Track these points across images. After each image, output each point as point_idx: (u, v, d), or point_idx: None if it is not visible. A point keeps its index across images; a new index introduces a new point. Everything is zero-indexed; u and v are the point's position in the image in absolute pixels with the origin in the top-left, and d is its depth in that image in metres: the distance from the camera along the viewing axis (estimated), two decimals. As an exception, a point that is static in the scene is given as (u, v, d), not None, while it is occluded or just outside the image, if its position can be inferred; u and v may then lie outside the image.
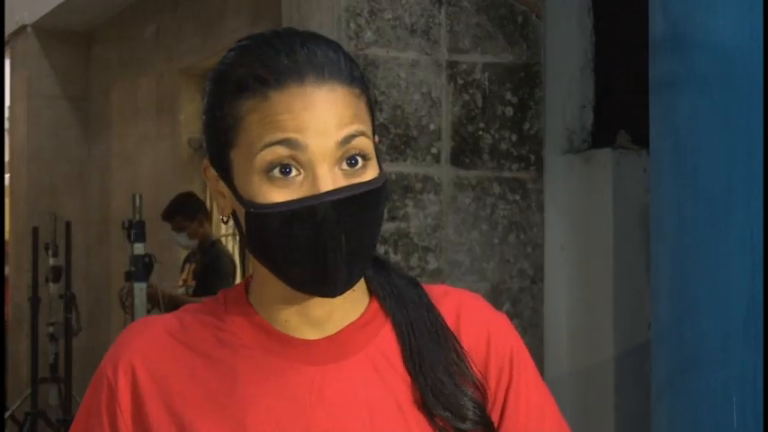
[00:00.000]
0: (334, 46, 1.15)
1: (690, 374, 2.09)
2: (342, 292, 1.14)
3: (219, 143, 1.16)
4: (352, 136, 1.11)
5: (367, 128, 1.14)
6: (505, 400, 1.22)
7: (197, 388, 1.16)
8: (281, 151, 1.09)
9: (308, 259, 1.11)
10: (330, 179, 1.10)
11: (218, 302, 1.22)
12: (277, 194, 1.10)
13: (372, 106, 1.18)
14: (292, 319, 1.18)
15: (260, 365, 1.17)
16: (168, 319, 1.22)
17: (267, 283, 1.18)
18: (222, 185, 1.18)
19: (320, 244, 1.10)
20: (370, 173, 1.13)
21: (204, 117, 1.19)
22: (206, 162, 1.20)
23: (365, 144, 1.12)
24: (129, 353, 1.18)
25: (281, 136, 1.09)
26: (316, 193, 1.09)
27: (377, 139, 1.18)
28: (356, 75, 1.15)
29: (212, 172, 1.19)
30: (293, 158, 1.10)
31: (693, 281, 2.08)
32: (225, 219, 1.20)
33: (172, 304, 5.16)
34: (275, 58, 1.12)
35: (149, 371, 1.17)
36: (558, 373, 2.80)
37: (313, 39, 1.15)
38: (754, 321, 1.94)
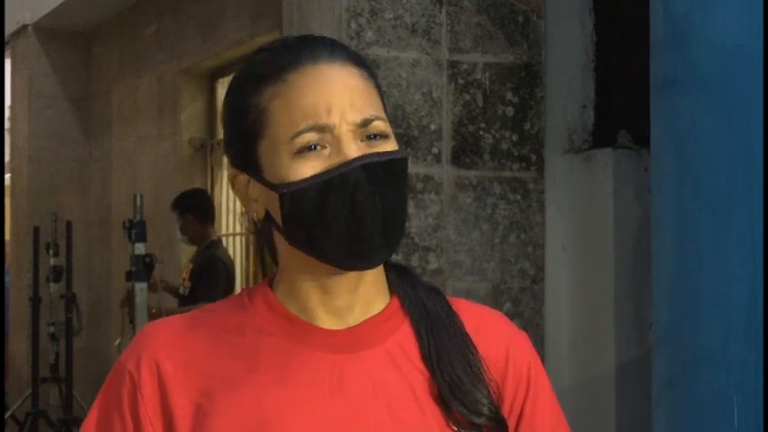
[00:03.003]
0: (342, 43, 1.24)
1: (691, 374, 2.09)
2: (376, 263, 1.18)
3: (246, 139, 1.20)
4: (370, 120, 1.17)
5: (380, 112, 1.19)
6: (521, 413, 1.25)
7: (220, 376, 1.18)
8: (311, 137, 1.15)
9: (345, 227, 1.14)
10: (356, 148, 1.15)
11: (241, 296, 1.26)
12: (307, 170, 1.15)
13: (382, 94, 1.24)
14: (317, 309, 1.21)
15: (281, 351, 1.19)
16: (187, 315, 1.25)
17: (295, 275, 1.21)
18: (253, 188, 1.21)
19: (356, 208, 1.14)
20: (390, 147, 1.18)
21: (227, 119, 1.23)
22: (233, 171, 1.23)
23: (382, 125, 1.18)
24: (150, 348, 1.20)
25: (309, 122, 1.15)
26: (344, 161, 1.14)
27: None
28: (363, 61, 1.23)
29: (242, 178, 1.22)
30: (321, 138, 1.15)
31: (694, 281, 2.08)
32: (259, 223, 1.23)
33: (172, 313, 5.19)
34: (290, 50, 1.19)
35: (173, 364, 1.19)
36: (559, 373, 2.80)
37: (322, 37, 1.23)
38: (755, 321, 1.95)
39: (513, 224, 2.87)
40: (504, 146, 2.87)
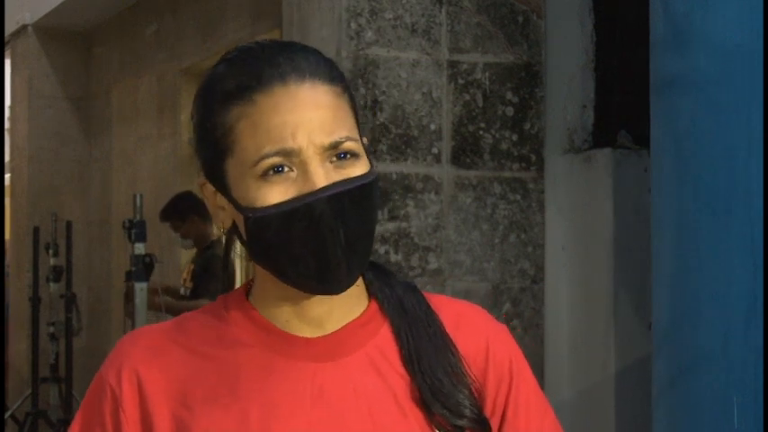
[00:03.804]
0: (312, 50, 1.20)
1: (690, 374, 2.09)
2: (343, 289, 1.16)
3: (213, 155, 1.18)
4: (339, 142, 1.14)
5: (351, 130, 1.17)
6: (505, 408, 1.24)
7: (200, 388, 1.18)
8: (276, 160, 1.13)
9: (309, 256, 1.13)
10: (323, 175, 1.13)
11: (218, 305, 1.24)
12: (273, 195, 1.13)
13: (355, 104, 1.21)
14: (293, 319, 1.20)
15: (261, 363, 1.19)
16: (166, 325, 1.24)
17: (268, 284, 1.20)
18: (220, 198, 1.20)
19: (320, 239, 1.12)
20: (360, 168, 1.16)
21: (195, 132, 1.21)
22: (201, 179, 1.22)
23: (352, 145, 1.16)
24: (131, 360, 1.19)
25: (276, 147, 1.12)
26: (311, 189, 1.12)
27: (365, 140, 1.21)
28: (335, 74, 1.19)
29: (209, 187, 1.21)
30: (287, 161, 1.13)
31: (694, 281, 2.08)
32: (225, 231, 1.22)
33: (171, 306, 5.19)
34: (258, 65, 1.16)
35: (154, 377, 1.18)
36: (559, 373, 2.80)
37: (292, 46, 1.19)
38: (755, 321, 1.95)
39: (513, 224, 2.87)
40: (504, 146, 2.87)
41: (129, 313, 5.24)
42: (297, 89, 1.14)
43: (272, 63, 1.15)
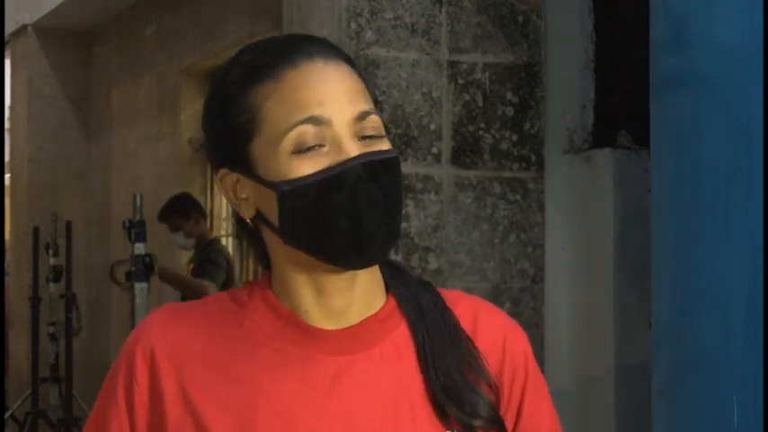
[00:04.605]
0: (329, 41, 1.24)
1: (690, 374, 2.09)
2: (378, 260, 1.19)
3: (235, 141, 1.19)
4: (367, 113, 1.17)
5: (374, 107, 1.20)
6: (522, 399, 1.25)
7: (213, 371, 1.19)
8: (308, 129, 1.15)
9: (348, 224, 1.14)
10: (355, 147, 1.15)
11: (242, 292, 1.25)
12: (308, 167, 1.15)
13: (370, 91, 1.24)
14: (313, 309, 1.21)
15: (277, 352, 1.20)
16: (190, 305, 1.26)
17: (289, 274, 1.21)
18: (242, 187, 1.20)
19: (359, 205, 1.14)
20: (386, 146, 1.19)
21: (213, 124, 1.22)
22: (222, 171, 1.22)
23: (378, 122, 1.19)
24: (148, 336, 1.21)
25: (305, 114, 1.15)
26: (345, 159, 1.14)
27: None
28: (355, 62, 1.23)
29: (230, 178, 1.21)
30: (319, 135, 1.15)
31: (693, 281, 2.08)
32: (250, 222, 1.22)
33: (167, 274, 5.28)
34: (281, 47, 1.20)
35: (168, 354, 1.20)
36: (559, 373, 2.80)
37: (311, 36, 1.24)
38: (755, 321, 1.95)
39: (513, 224, 2.86)
40: (504, 146, 2.87)
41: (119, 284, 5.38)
42: (324, 66, 1.17)
43: (297, 46, 1.19)
